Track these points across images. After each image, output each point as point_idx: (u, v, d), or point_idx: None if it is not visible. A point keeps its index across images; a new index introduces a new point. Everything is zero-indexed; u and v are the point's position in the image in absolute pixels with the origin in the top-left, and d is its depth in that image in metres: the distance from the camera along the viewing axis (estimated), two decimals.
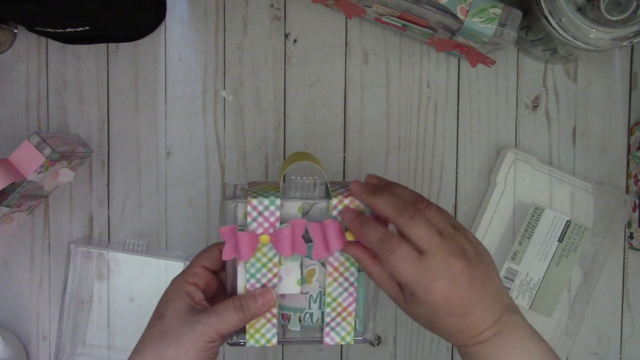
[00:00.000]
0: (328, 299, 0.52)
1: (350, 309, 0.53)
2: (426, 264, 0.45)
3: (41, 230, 0.68)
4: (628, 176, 0.67)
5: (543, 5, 0.55)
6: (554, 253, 0.64)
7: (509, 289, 0.64)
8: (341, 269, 0.52)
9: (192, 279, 0.50)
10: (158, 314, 0.49)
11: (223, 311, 0.48)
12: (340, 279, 0.52)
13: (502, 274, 0.64)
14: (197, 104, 0.67)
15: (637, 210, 0.65)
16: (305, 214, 0.52)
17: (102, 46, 0.67)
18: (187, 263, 0.64)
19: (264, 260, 0.50)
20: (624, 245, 0.67)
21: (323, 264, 0.53)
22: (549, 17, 0.55)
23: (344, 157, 0.67)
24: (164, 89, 0.67)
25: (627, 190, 0.67)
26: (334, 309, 0.53)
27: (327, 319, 0.53)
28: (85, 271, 0.67)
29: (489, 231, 0.66)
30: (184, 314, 0.48)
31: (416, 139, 0.67)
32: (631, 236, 0.66)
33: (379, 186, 0.51)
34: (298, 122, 0.67)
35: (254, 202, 0.49)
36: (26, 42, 0.67)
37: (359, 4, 0.60)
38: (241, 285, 0.50)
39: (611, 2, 0.55)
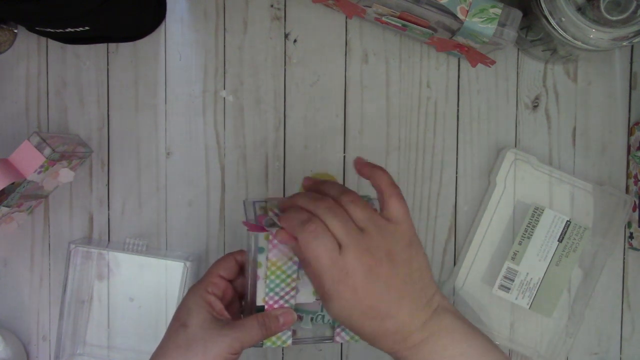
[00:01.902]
0: None
1: None
2: (342, 258, 0.44)
3: (41, 230, 0.68)
4: (628, 176, 0.67)
5: (543, 5, 0.55)
6: (554, 253, 0.64)
7: (509, 289, 0.64)
8: None
9: (211, 288, 0.51)
10: (181, 323, 0.49)
11: (249, 327, 0.49)
12: None
13: (502, 273, 0.64)
14: (197, 104, 0.67)
15: (637, 210, 0.65)
16: None
17: (102, 46, 0.67)
18: (187, 263, 0.64)
19: (283, 276, 0.51)
20: (624, 245, 0.67)
21: None
22: (549, 17, 0.55)
23: (344, 157, 0.67)
24: (164, 89, 0.67)
25: (627, 190, 0.67)
26: None
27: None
28: (85, 271, 0.67)
29: (489, 231, 0.66)
30: (208, 325, 0.49)
31: (416, 139, 0.67)
32: (631, 236, 0.66)
33: (309, 186, 0.52)
34: (298, 122, 0.67)
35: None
36: (26, 42, 0.67)
37: (359, 4, 0.60)
38: (260, 297, 0.52)
39: (611, 2, 0.55)
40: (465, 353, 0.46)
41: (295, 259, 0.51)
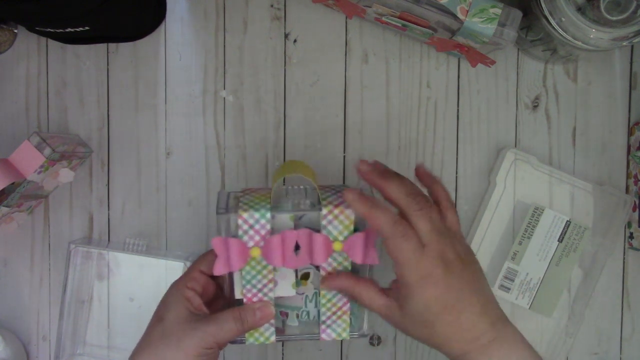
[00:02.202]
0: (323, 300, 0.53)
1: (344, 308, 0.53)
2: (426, 255, 0.46)
3: (41, 230, 0.68)
4: (628, 176, 0.67)
5: (543, 5, 0.55)
6: (554, 253, 0.64)
7: (509, 289, 0.64)
8: (334, 272, 0.53)
9: (190, 283, 0.51)
10: (158, 317, 0.50)
11: (223, 321, 0.49)
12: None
13: (502, 273, 0.64)
14: (197, 104, 0.67)
15: (637, 210, 0.65)
16: (298, 219, 0.52)
17: (102, 46, 0.67)
18: (187, 263, 0.64)
19: (259, 267, 0.51)
20: (624, 245, 0.67)
21: (317, 267, 0.53)
22: (549, 17, 0.55)
23: (344, 157, 0.67)
24: (164, 89, 0.67)
25: (627, 190, 0.67)
26: (329, 309, 0.53)
27: (323, 317, 0.53)
28: (85, 271, 0.67)
29: (489, 231, 0.66)
30: (184, 319, 0.49)
31: (416, 139, 0.67)
32: (631, 236, 0.66)
33: (388, 171, 0.51)
34: (298, 122, 0.67)
35: (245, 215, 0.49)
36: (26, 42, 0.67)
37: (359, 4, 0.60)
38: (238, 290, 0.51)
39: (611, 2, 0.55)
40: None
41: None
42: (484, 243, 0.66)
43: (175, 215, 0.68)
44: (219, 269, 0.50)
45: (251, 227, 0.49)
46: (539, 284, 0.64)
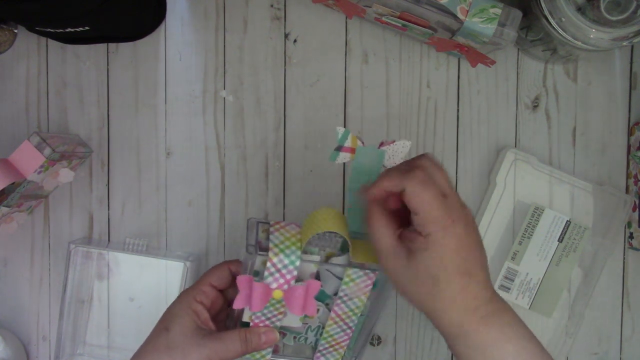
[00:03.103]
0: (325, 335, 0.54)
1: (343, 343, 0.55)
2: (448, 204, 0.43)
3: (41, 230, 0.68)
4: (628, 176, 0.67)
5: (543, 5, 0.55)
6: (554, 253, 0.64)
7: (509, 289, 0.64)
8: (344, 316, 0.54)
9: (199, 297, 0.51)
10: (164, 326, 0.50)
11: (229, 341, 0.50)
12: (341, 323, 0.54)
13: (502, 273, 0.64)
14: (197, 104, 0.67)
15: (637, 210, 0.65)
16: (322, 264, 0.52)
17: (102, 46, 0.67)
18: (187, 263, 0.64)
19: (273, 301, 0.51)
20: (624, 245, 0.67)
21: (328, 305, 0.54)
22: (549, 17, 0.55)
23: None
24: (164, 89, 0.67)
25: (627, 190, 0.67)
26: (328, 342, 0.55)
27: (320, 347, 0.55)
28: (85, 271, 0.67)
29: (489, 231, 0.66)
30: (190, 332, 0.49)
31: (416, 139, 0.67)
32: (631, 236, 0.66)
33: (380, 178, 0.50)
34: (298, 122, 0.67)
35: (275, 259, 0.49)
36: (26, 42, 0.67)
37: (359, 4, 0.60)
38: (247, 315, 0.52)
39: (611, 2, 0.55)
40: (527, 337, 0.45)
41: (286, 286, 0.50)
42: (484, 243, 0.65)
43: (175, 215, 0.68)
44: (238, 304, 0.50)
45: (278, 270, 0.49)
46: (539, 284, 0.64)
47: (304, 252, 0.51)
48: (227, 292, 0.54)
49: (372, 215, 0.46)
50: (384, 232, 0.46)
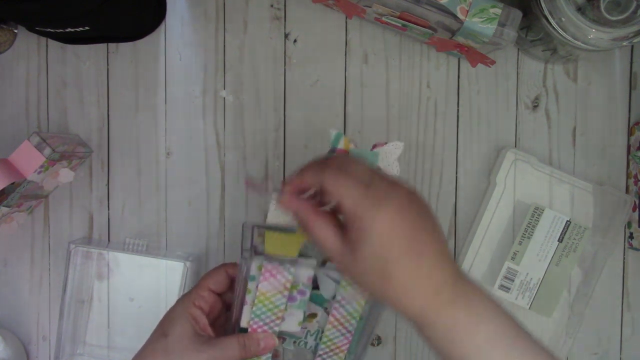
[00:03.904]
0: (325, 339, 0.54)
1: (343, 347, 0.55)
2: (372, 192, 0.41)
3: (41, 230, 0.68)
4: (628, 176, 0.67)
5: (543, 5, 0.55)
6: (554, 253, 0.64)
7: (509, 289, 0.64)
8: (342, 320, 0.53)
9: (198, 301, 0.51)
10: (162, 331, 0.50)
11: (227, 347, 0.49)
12: (340, 327, 0.54)
13: (502, 273, 0.64)
14: (197, 104, 0.67)
15: (637, 210, 0.65)
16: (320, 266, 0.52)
17: (102, 46, 0.67)
18: (187, 263, 0.64)
19: (271, 306, 0.51)
20: (624, 245, 0.67)
21: (326, 310, 0.54)
22: (549, 17, 0.55)
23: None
24: (164, 89, 0.67)
25: (627, 190, 0.67)
26: (328, 347, 0.55)
27: (320, 352, 0.55)
28: (85, 271, 0.67)
29: (489, 231, 0.66)
30: (188, 338, 0.49)
31: (416, 139, 0.67)
32: (631, 236, 0.66)
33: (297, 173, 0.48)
34: (298, 122, 0.67)
35: (269, 266, 0.49)
36: (26, 42, 0.67)
37: (359, 4, 0.60)
38: (245, 320, 0.51)
39: (611, 2, 0.55)
40: (500, 317, 0.41)
41: (286, 292, 0.50)
42: (484, 243, 0.66)
43: (175, 215, 0.68)
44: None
45: (274, 276, 0.49)
46: (539, 284, 0.64)
47: (300, 255, 0.50)
48: (226, 296, 0.54)
49: (308, 218, 0.44)
50: (325, 233, 0.43)
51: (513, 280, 0.64)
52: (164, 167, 0.68)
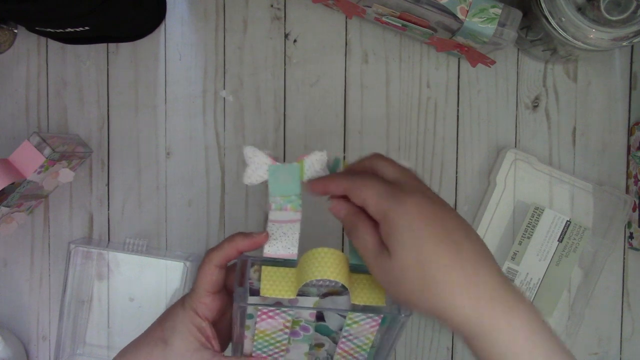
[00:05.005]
0: None
1: None
2: (397, 186, 0.40)
3: (41, 230, 0.68)
4: (628, 176, 0.67)
5: (543, 5, 0.55)
6: (554, 253, 0.64)
7: None
8: (352, 352, 0.50)
9: (201, 311, 0.47)
10: (162, 336, 0.47)
11: None
12: (350, 358, 0.50)
13: None
14: (197, 104, 0.67)
15: (637, 210, 0.65)
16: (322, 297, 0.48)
17: (102, 46, 0.67)
18: (187, 263, 0.64)
19: (272, 341, 0.48)
20: (624, 245, 0.67)
21: (334, 340, 0.50)
22: (549, 17, 0.55)
23: (344, 157, 0.67)
24: (164, 89, 0.67)
25: (627, 190, 0.67)
26: None
27: None
28: (85, 271, 0.67)
29: (489, 231, 0.66)
30: (192, 351, 0.46)
31: (416, 139, 0.67)
32: (631, 236, 0.66)
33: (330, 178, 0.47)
34: (298, 122, 0.67)
35: (265, 310, 0.45)
36: (26, 42, 0.67)
37: (359, 4, 0.60)
38: (247, 349, 0.49)
39: (611, 2, 0.55)
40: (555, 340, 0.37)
41: (287, 330, 0.46)
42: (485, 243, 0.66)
43: (175, 215, 0.68)
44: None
45: (271, 317, 0.46)
46: (539, 284, 0.64)
47: (300, 293, 0.45)
48: (227, 299, 0.50)
49: (353, 224, 0.42)
50: (365, 237, 0.41)
51: (513, 280, 0.64)
52: (164, 167, 0.68)
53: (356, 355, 0.50)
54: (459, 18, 0.54)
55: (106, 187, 0.68)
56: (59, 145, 0.60)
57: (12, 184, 0.58)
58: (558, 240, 0.64)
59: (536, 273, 0.64)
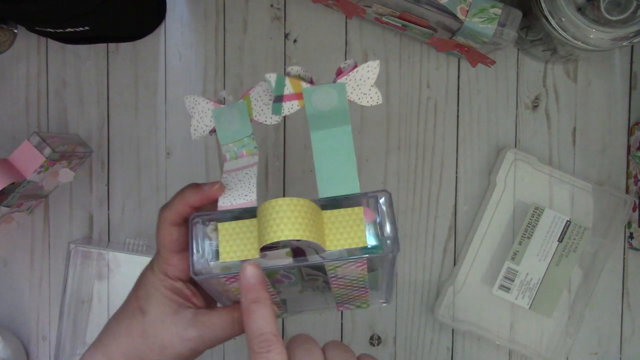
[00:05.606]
0: (336, 295, 0.45)
1: (362, 297, 0.46)
2: None
3: (41, 230, 0.68)
4: (628, 176, 0.67)
5: (543, 5, 0.55)
6: (554, 253, 0.64)
7: (509, 289, 0.64)
8: (348, 283, 0.44)
9: (172, 272, 0.43)
10: (138, 305, 0.44)
11: (219, 326, 0.43)
12: (349, 288, 0.44)
13: (502, 273, 0.64)
14: None
15: (637, 210, 0.65)
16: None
17: (102, 46, 0.67)
18: None
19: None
20: (624, 245, 0.67)
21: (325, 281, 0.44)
22: (549, 17, 0.55)
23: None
24: (164, 89, 0.67)
25: (627, 190, 0.67)
26: (342, 299, 0.46)
27: (337, 300, 0.46)
28: (85, 271, 0.67)
29: (489, 231, 0.66)
30: (171, 319, 0.43)
31: (416, 139, 0.67)
32: (631, 236, 0.66)
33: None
34: (298, 122, 0.67)
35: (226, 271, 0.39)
36: (26, 42, 0.67)
37: (359, 4, 0.60)
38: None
39: (611, 2, 0.55)
40: None
41: (267, 283, 0.41)
42: (484, 243, 0.66)
43: None
44: None
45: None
46: (539, 284, 0.64)
47: (266, 248, 0.38)
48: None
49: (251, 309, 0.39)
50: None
51: (513, 280, 0.64)
52: (164, 167, 0.68)
53: (355, 285, 0.43)
54: (459, 18, 0.54)
55: (106, 187, 0.68)
56: (59, 145, 0.60)
57: (12, 184, 0.58)
58: (558, 240, 0.64)
59: (536, 273, 0.64)
